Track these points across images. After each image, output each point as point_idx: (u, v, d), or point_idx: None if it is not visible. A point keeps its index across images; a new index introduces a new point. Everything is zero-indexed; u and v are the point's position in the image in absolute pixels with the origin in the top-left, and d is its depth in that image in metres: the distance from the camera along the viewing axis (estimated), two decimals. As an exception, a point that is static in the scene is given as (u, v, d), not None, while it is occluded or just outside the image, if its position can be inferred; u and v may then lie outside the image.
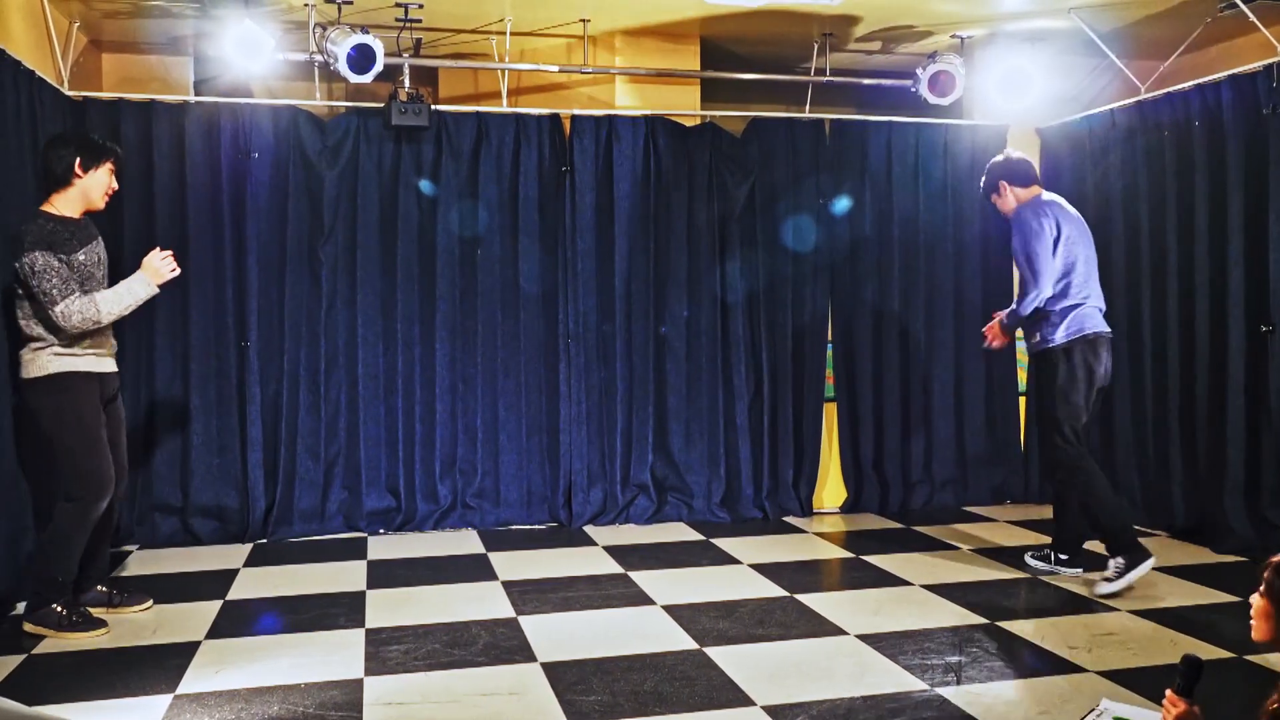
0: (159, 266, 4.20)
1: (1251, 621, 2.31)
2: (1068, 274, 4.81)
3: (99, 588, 4.46)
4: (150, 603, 4.55)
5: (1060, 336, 4.80)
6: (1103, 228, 6.40)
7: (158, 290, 4.23)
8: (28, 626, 4.12)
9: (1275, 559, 2.31)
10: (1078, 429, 4.79)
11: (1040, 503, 6.74)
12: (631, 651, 3.95)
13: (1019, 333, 5.33)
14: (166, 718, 3.36)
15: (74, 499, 4.13)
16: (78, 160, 4.14)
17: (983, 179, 5.19)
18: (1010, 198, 5.05)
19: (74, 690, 3.58)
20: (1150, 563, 4.68)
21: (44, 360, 4.08)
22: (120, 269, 4.61)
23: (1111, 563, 4.73)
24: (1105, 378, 4.90)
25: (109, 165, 4.24)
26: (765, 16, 5.97)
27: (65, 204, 4.17)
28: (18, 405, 4.32)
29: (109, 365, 4.32)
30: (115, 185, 4.32)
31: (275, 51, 5.47)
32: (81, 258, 4.12)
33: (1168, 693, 2.31)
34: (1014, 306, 4.91)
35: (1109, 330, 4.89)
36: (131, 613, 4.46)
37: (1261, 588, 2.29)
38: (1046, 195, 5.05)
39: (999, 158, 5.16)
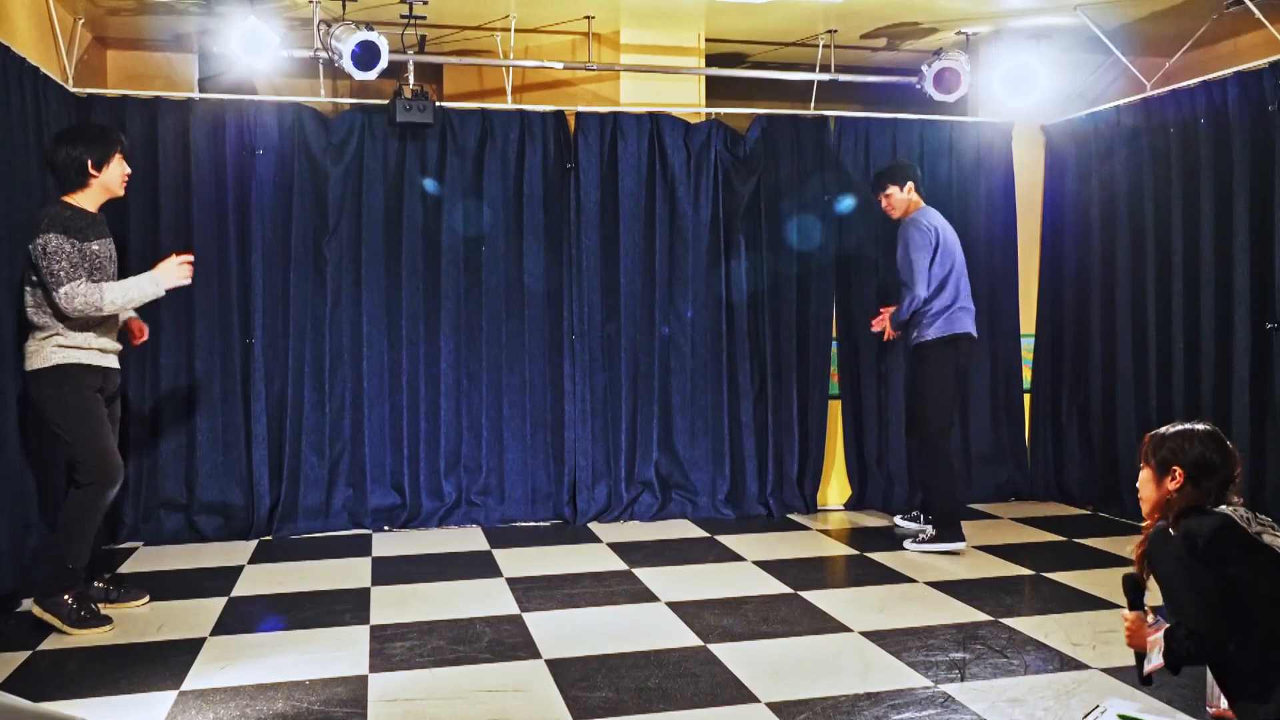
0: (173, 268, 4.25)
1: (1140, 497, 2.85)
2: (944, 279, 5.42)
3: (96, 583, 4.46)
4: (147, 598, 4.56)
5: (933, 334, 5.42)
6: (1108, 225, 6.40)
7: (163, 293, 4.27)
8: (37, 611, 4.12)
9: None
10: (943, 413, 5.46)
11: (1045, 499, 6.74)
12: (636, 648, 3.96)
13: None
14: (171, 714, 3.37)
15: (84, 485, 4.14)
16: (89, 162, 4.18)
17: (873, 180, 5.83)
18: (899, 202, 5.60)
19: (79, 686, 3.60)
20: (960, 546, 5.37)
21: (48, 351, 4.10)
22: (125, 267, 4.62)
23: (928, 528, 5.51)
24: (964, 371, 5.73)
25: (118, 154, 4.27)
26: (770, 12, 5.96)
27: (85, 200, 4.23)
28: (23, 400, 4.33)
29: (112, 362, 4.32)
30: (128, 170, 4.36)
31: (280, 48, 5.48)
32: (96, 247, 4.18)
33: (1123, 614, 2.83)
34: (896, 307, 5.55)
35: (970, 330, 5.51)
36: (128, 608, 4.46)
37: (1140, 461, 2.85)
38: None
39: (886, 166, 5.83)
